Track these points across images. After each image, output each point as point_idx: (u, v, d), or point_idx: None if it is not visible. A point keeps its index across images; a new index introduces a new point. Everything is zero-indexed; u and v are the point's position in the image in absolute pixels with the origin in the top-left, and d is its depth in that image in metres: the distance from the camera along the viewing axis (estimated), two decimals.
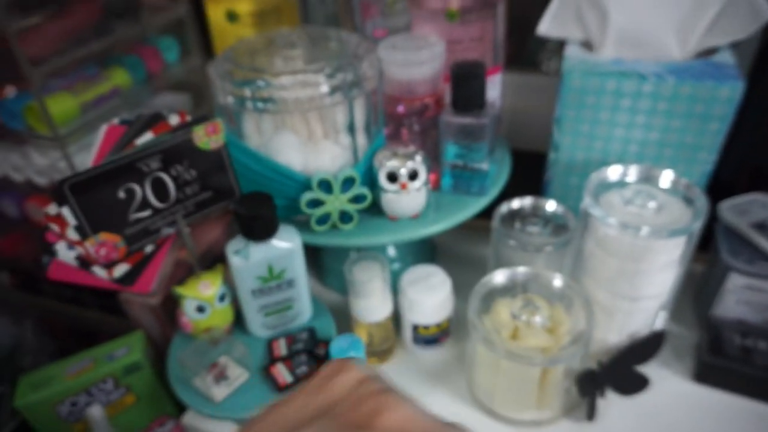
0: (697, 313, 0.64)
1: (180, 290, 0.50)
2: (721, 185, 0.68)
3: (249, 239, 0.48)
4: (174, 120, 0.43)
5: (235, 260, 0.48)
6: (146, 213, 0.45)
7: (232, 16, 0.59)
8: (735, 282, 0.56)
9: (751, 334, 0.56)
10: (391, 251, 0.70)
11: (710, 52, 0.56)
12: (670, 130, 0.55)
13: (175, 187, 0.45)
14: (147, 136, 0.42)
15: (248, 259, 0.48)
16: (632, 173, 0.54)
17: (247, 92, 0.50)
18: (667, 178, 0.53)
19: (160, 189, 0.45)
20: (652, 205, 0.50)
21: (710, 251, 0.63)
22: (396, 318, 0.61)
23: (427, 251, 0.74)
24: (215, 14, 0.61)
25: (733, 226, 0.58)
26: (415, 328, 0.59)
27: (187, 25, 0.72)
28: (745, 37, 0.53)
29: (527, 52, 0.86)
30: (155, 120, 0.42)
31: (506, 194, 0.62)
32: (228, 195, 0.50)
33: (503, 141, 0.68)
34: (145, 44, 0.71)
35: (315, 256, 0.76)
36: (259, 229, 0.48)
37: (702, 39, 0.55)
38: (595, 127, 0.57)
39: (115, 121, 0.42)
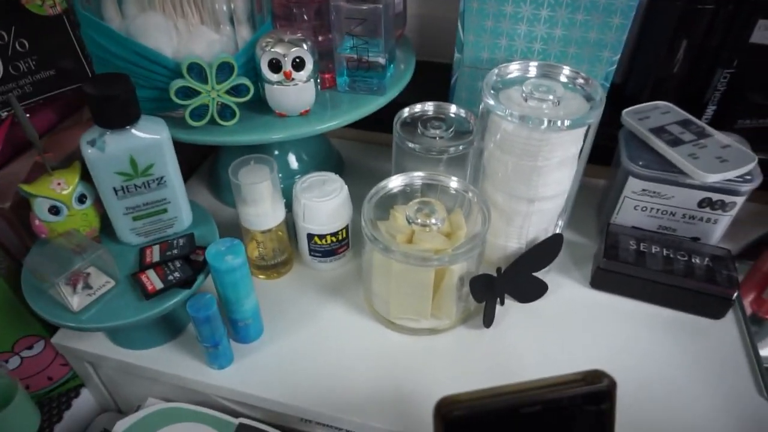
0: (599, 224, 0.64)
1: (27, 188, 0.44)
2: (626, 98, 0.67)
3: (104, 128, 0.42)
4: None
5: (89, 152, 0.42)
6: None
7: None
8: (633, 186, 0.55)
9: (645, 240, 0.56)
10: (294, 163, 0.65)
11: None
12: (574, 25, 0.52)
13: (1, 60, 0.38)
14: None
15: (104, 150, 0.42)
16: (532, 70, 0.51)
17: None
18: (566, 73, 0.50)
19: None
20: (551, 98, 0.48)
21: (613, 165, 0.62)
22: (294, 234, 0.58)
23: (332, 165, 0.69)
24: None
25: (633, 130, 0.57)
26: (311, 238, 0.55)
27: None
28: None
29: None
30: None
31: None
32: (77, 76, 0.43)
33: (408, 43, 0.64)
34: None
35: (210, 170, 0.71)
36: (115, 115, 0.41)
37: None
38: (499, 22, 0.53)
39: None
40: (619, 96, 0.68)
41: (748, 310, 0.54)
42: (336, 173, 0.56)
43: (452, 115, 0.57)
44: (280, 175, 0.63)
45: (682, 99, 0.64)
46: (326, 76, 0.56)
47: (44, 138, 0.54)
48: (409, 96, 0.59)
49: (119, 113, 0.42)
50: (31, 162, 0.51)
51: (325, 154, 0.69)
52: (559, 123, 0.45)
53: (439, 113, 0.57)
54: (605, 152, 0.62)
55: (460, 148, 0.54)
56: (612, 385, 0.35)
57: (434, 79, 0.66)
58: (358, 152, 0.76)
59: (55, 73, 0.42)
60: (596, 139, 0.50)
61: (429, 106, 0.57)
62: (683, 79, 0.63)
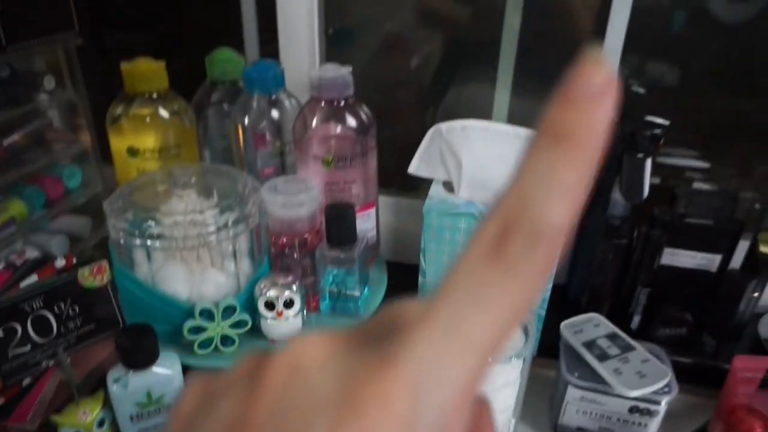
0: (551, 419, 0.72)
1: (58, 419, 0.52)
2: (568, 304, 0.79)
3: (129, 368, 0.52)
4: (60, 263, 0.48)
5: (113, 388, 0.52)
6: (26, 348, 0.48)
7: (133, 152, 0.65)
8: (573, 394, 0.65)
9: None
10: None
11: None
12: None
13: (57, 323, 0.49)
14: (32, 279, 0.46)
15: (127, 387, 0.52)
16: None
17: (137, 233, 0.55)
18: None
19: (41, 325, 0.49)
20: None
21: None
22: None
23: None
24: (118, 149, 0.66)
25: (570, 343, 0.68)
26: None
27: (91, 156, 0.77)
28: None
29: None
30: (41, 264, 0.47)
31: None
32: (111, 325, 0.54)
33: (381, 262, 0.76)
34: (48, 174, 0.74)
35: None
36: (140, 359, 0.51)
37: None
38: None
39: (0, 266, 0.46)
40: (564, 300, 0.80)
41: None
42: None
43: None
44: None
45: (615, 306, 0.75)
46: (312, 299, 0.67)
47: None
48: (385, 301, 0.70)
49: (144, 358, 0.52)
50: (55, 383, 0.60)
51: None
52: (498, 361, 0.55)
53: None
54: (555, 347, 0.72)
55: None
56: None
57: (406, 281, 0.78)
58: None
59: (95, 326, 0.53)
60: (546, 336, 0.60)
61: None
62: (614, 291, 0.75)
